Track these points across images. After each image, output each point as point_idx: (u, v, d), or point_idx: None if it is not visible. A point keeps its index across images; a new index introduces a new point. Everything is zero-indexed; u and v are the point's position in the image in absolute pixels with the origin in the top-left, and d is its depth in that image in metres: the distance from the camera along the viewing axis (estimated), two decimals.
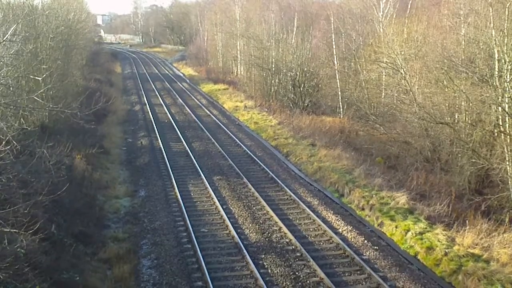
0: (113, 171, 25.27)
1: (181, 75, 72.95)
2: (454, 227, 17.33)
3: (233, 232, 17.16)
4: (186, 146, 29.56)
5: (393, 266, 15.25)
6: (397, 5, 37.58)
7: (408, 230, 17.51)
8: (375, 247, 16.55)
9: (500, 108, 19.89)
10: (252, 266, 14.74)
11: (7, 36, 13.27)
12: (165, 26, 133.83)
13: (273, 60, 46.75)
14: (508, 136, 19.56)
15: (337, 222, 18.57)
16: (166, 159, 26.38)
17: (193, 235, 16.82)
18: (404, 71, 27.67)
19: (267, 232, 17.55)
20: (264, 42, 48.80)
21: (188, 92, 53.97)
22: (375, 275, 14.30)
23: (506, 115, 19.60)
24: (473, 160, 21.10)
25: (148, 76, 67.51)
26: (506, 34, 19.57)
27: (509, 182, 19.05)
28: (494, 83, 20.17)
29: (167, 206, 20.16)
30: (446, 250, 15.83)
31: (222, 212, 19.02)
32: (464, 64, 22.79)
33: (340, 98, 38.60)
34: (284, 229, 17.55)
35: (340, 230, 17.90)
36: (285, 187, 22.04)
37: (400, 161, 25.74)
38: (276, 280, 14.31)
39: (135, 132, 34.62)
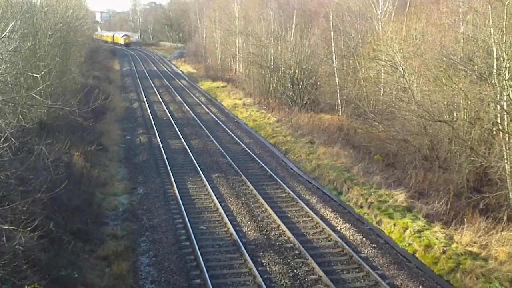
0: (111, 168, 25.24)
1: (180, 72, 72.88)
2: (453, 225, 17.37)
3: (232, 230, 17.17)
4: (184, 143, 29.54)
5: (392, 264, 15.27)
6: (396, 3, 37.58)
7: (407, 228, 17.54)
8: (374, 245, 16.57)
9: (498, 106, 19.92)
10: (251, 263, 14.75)
11: (5, 33, 13.23)
12: (164, 23, 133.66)
13: (272, 57, 46.73)
14: (507, 134, 19.58)
15: (336, 219, 18.58)
16: (165, 157, 26.36)
17: (191, 232, 16.83)
18: (402, 69, 27.68)
19: (265, 230, 17.56)
20: (263, 40, 48.78)
21: (187, 90, 53.92)
22: (374, 273, 14.32)
23: (505, 113, 19.62)
24: (472, 158, 21.12)
25: (146, 74, 67.43)
26: (504, 32, 19.58)
27: (507, 180, 19.07)
28: (493, 81, 20.19)
29: (165, 203, 20.15)
30: (444, 248, 15.86)
31: (221, 210, 19.02)
32: (462, 62, 22.79)
33: (338, 95, 38.61)
34: (283, 226, 17.56)
35: (338, 227, 17.92)
36: (283, 185, 22.05)
37: (399, 159, 25.76)
38: (274, 277, 14.33)
39: (133, 129, 34.59)
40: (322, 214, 19.08)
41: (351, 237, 17.17)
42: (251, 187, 21.71)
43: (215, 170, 24.57)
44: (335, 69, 38.91)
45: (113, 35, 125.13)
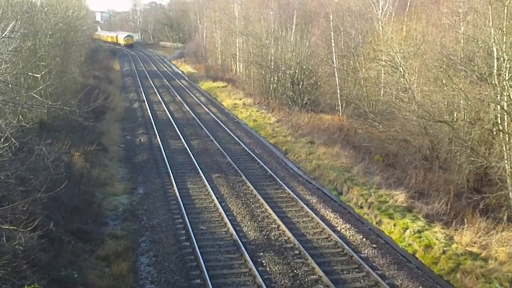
0: (111, 168, 25.24)
1: (180, 72, 72.87)
2: (453, 226, 17.37)
3: (232, 230, 17.17)
4: (184, 143, 29.54)
5: (392, 264, 15.28)
6: (396, 3, 37.58)
7: (407, 228, 17.54)
8: (374, 245, 16.58)
9: (498, 106, 19.90)
10: (251, 263, 14.74)
11: (5, 32, 13.24)
12: (164, 23, 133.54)
13: (272, 57, 46.72)
14: (507, 135, 19.57)
15: (336, 220, 18.58)
16: (165, 157, 26.35)
17: (191, 232, 16.83)
18: (403, 69, 27.68)
19: (265, 230, 17.56)
20: (263, 40, 48.75)
21: (187, 90, 53.92)
22: (374, 273, 14.32)
23: (505, 113, 19.60)
24: (472, 159, 21.12)
25: (147, 74, 67.41)
26: (505, 32, 19.56)
27: (508, 181, 19.06)
28: (493, 82, 20.17)
29: (165, 203, 20.15)
30: (444, 248, 15.86)
31: (221, 210, 19.01)
32: (463, 63, 22.78)
33: (339, 96, 38.60)
34: (283, 227, 17.56)
35: (338, 228, 17.92)
36: (283, 185, 22.04)
37: (399, 159, 25.75)
38: (274, 278, 14.32)
39: (133, 129, 34.59)
40: (322, 214, 19.07)
41: (351, 237, 17.17)
42: (251, 187, 21.71)
43: (215, 170, 24.56)
44: (335, 69, 38.89)
45: (116, 35, 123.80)
